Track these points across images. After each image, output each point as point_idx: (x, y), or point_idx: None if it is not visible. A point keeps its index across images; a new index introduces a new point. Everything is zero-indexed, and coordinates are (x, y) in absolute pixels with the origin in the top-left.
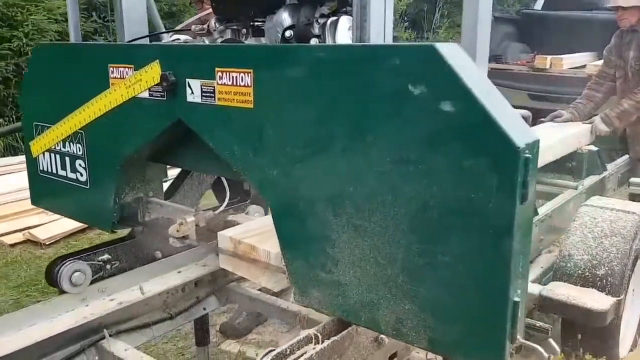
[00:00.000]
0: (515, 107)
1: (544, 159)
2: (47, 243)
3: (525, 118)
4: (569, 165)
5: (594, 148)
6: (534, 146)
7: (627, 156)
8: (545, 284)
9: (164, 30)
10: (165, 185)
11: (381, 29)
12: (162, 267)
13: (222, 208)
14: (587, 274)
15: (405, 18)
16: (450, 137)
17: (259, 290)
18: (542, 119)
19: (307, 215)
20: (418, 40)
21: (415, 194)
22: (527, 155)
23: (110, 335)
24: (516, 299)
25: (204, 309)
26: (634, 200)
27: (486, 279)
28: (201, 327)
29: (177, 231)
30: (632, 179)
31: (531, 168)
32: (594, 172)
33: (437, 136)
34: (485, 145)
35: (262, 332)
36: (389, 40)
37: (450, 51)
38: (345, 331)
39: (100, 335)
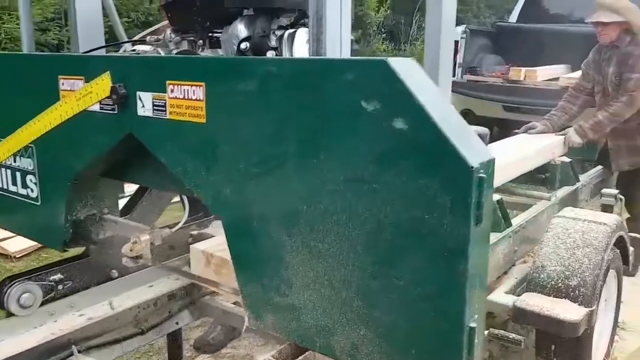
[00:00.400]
0: (489, 118)
1: (518, 170)
2: (17, 256)
3: (482, 136)
4: (542, 177)
5: (567, 159)
6: (489, 165)
7: (599, 167)
8: (519, 295)
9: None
10: (124, 202)
11: (337, 42)
12: (134, 281)
13: (179, 225)
14: (560, 284)
15: (383, 30)
16: (403, 155)
17: (233, 303)
18: (517, 130)
19: (260, 235)
20: (395, 52)
21: (369, 214)
22: (481, 175)
23: (79, 352)
24: (472, 324)
25: (177, 323)
26: (606, 211)
27: (441, 304)
28: (174, 342)
29: (131, 250)
30: (604, 190)
31: (486, 188)
32: (567, 184)
33: (391, 154)
34: (438, 164)
35: (237, 346)
36: (347, 54)
37: (404, 66)
38: (302, 356)
39: (69, 352)
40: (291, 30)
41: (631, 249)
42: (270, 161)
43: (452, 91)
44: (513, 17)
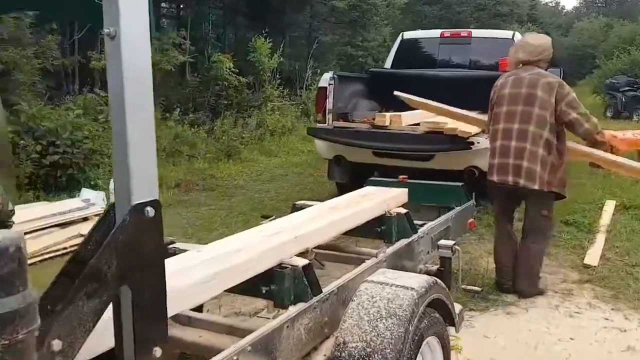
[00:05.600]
0: (363, 163)
1: (342, 227)
2: None
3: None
4: (378, 230)
5: (403, 211)
6: None
7: (445, 215)
8: None
9: None
10: None
11: None
12: None
13: None
14: None
15: (278, 76)
16: None
17: None
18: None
19: None
20: (292, 96)
21: None
22: None
23: None
24: None
25: None
26: (443, 265)
27: None
28: None
29: None
30: (441, 242)
31: None
32: (404, 236)
33: None
34: None
35: None
36: None
37: None
38: None
39: None
40: None
41: (458, 307)
42: None
43: (322, 138)
44: (388, 63)
